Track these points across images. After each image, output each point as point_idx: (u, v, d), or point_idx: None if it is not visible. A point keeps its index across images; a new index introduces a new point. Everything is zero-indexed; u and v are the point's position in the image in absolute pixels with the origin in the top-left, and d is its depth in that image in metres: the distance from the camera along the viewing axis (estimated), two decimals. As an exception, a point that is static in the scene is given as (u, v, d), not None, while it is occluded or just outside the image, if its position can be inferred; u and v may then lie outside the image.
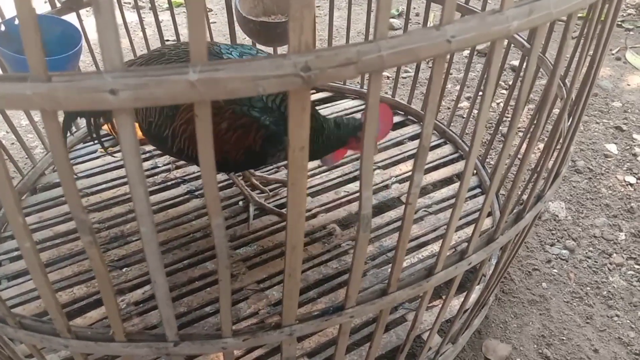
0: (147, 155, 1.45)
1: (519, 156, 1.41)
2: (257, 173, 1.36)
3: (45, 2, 1.42)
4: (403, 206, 1.28)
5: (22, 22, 0.35)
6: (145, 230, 0.45)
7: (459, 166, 1.41)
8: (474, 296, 0.94)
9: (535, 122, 0.74)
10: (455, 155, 1.46)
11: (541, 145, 1.52)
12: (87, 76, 0.36)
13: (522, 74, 1.83)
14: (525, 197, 0.78)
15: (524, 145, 1.48)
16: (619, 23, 2.45)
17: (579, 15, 0.88)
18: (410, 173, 1.38)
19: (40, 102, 0.37)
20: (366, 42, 0.39)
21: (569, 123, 0.78)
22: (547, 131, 1.54)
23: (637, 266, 1.24)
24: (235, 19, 1.52)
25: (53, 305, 0.53)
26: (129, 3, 2.62)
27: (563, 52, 0.54)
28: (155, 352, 0.58)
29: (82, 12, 1.42)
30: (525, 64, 1.24)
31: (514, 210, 0.74)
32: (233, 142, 0.96)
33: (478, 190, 1.35)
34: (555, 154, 0.79)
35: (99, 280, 0.49)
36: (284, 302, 0.56)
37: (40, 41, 0.36)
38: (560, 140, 0.78)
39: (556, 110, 1.38)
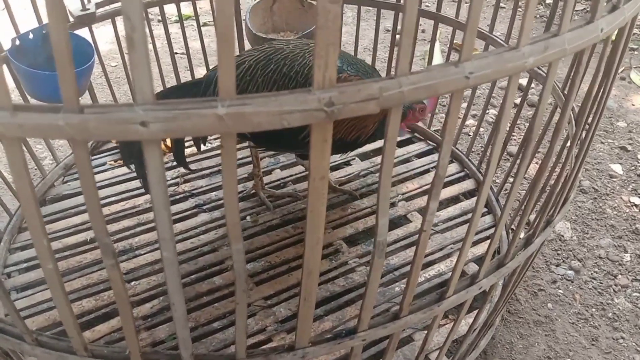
0: (156, 168, 1.46)
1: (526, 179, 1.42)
2: (266, 188, 1.38)
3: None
4: (409, 224, 1.29)
5: (58, 56, 0.36)
6: (167, 255, 0.46)
7: (465, 185, 1.42)
8: (469, 320, 0.95)
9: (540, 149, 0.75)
10: (462, 174, 1.47)
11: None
12: (119, 108, 0.37)
13: (529, 95, 1.84)
14: (533, 219, 0.79)
15: (532, 169, 1.49)
16: (624, 43, 2.47)
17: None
18: (417, 191, 1.39)
19: (72, 132, 0.38)
20: (388, 78, 0.40)
21: (577, 149, 0.79)
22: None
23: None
24: (244, 35, 1.54)
25: (71, 324, 0.54)
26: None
27: (576, 86, 0.55)
28: (169, 372, 0.58)
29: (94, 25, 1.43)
30: (539, 96, 1.25)
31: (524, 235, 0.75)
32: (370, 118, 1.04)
33: (484, 209, 1.36)
34: (564, 179, 0.79)
35: (119, 303, 0.50)
36: (298, 325, 0.56)
37: (74, 74, 0.37)
38: (569, 166, 0.79)
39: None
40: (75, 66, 1.28)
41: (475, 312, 0.90)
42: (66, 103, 0.37)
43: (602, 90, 0.76)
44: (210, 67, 1.70)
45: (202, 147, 1.40)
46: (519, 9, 2.22)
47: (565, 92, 1.10)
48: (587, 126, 0.81)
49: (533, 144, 0.56)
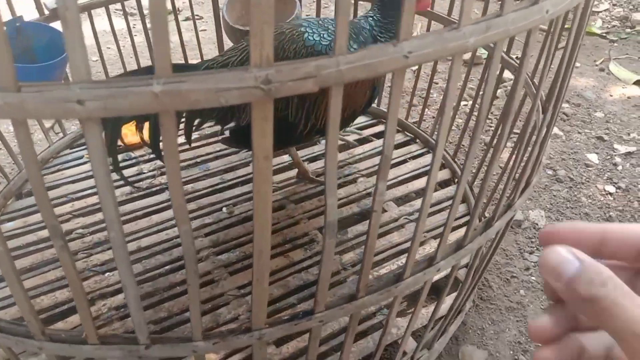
0: (133, 161, 1.47)
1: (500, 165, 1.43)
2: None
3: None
4: (384, 214, 1.30)
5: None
6: (114, 235, 0.46)
7: (440, 175, 1.43)
8: (448, 303, 0.96)
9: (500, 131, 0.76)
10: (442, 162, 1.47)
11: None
12: (55, 87, 0.38)
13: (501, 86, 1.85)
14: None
15: (502, 154, 1.51)
16: (604, 35, 2.49)
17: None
18: (392, 181, 1.40)
19: (10, 111, 0.38)
20: (325, 57, 0.41)
21: (539, 133, 0.81)
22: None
23: (613, 274, 1.26)
24: (222, 27, 1.54)
25: (27, 308, 0.55)
26: (119, 10, 2.63)
27: (524, 65, 0.56)
28: (127, 355, 0.59)
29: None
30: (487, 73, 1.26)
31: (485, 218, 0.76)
32: (360, 88, 1.04)
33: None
34: (527, 162, 0.81)
35: (70, 283, 0.51)
36: (252, 307, 0.57)
37: (10, 53, 0.37)
38: (530, 149, 0.80)
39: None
40: (49, 58, 1.27)
41: (445, 297, 0.91)
42: (2, 82, 0.38)
43: (563, 75, 0.77)
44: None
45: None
46: None
47: (535, 80, 1.12)
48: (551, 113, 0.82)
49: (483, 123, 0.57)
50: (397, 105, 0.47)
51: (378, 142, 1.55)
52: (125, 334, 0.59)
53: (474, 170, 1.44)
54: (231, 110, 1.10)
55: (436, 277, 1.09)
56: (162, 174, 1.42)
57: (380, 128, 1.62)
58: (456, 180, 1.42)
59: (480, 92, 1.55)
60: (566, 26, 1.04)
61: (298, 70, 0.40)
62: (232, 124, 1.16)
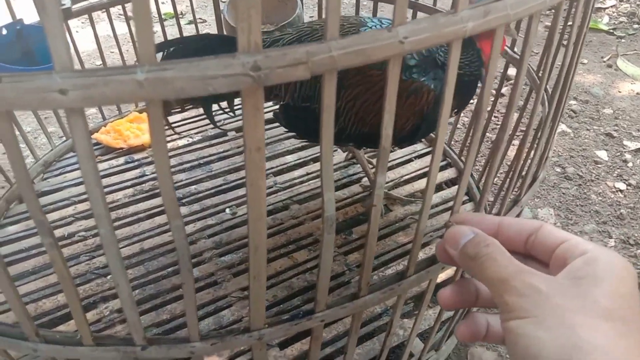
0: (136, 163, 1.46)
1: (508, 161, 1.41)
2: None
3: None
4: (389, 213, 1.29)
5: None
6: (104, 232, 0.45)
7: (446, 174, 1.41)
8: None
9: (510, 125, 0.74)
10: (444, 162, 1.46)
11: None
12: (36, 76, 0.36)
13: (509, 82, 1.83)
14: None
15: (510, 150, 1.49)
16: (611, 31, 2.46)
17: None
18: (399, 180, 1.38)
19: (-10, 102, 0.37)
20: (317, 43, 0.40)
21: (544, 127, 0.79)
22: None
23: (625, 272, 1.23)
24: (224, 28, 1.54)
25: (18, 309, 0.53)
26: (122, 15, 2.64)
27: (525, 59, 0.54)
28: (123, 356, 0.58)
29: (72, 23, 1.42)
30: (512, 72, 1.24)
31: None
32: (405, 110, 0.94)
33: (466, 197, 1.35)
34: (532, 157, 0.79)
35: (61, 282, 0.49)
36: (250, 306, 0.55)
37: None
38: (536, 144, 0.78)
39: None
40: (50, 61, 1.28)
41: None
42: (-19, 72, 0.36)
43: (567, 68, 0.75)
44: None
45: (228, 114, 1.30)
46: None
47: (540, 74, 1.10)
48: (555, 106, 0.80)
49: (483, 121, 0.55)
50: (394, 95, 0.46)
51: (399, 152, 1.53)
52: (121, 335, 0.58)
53: (480, 169, 1.42)
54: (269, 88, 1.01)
55: (443, 276, 1.07)
56: (165, 176, 1.41)
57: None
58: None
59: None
60: (569, 23, 1.02)
61: (287, 56, 0.39)
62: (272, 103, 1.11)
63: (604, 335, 0.34)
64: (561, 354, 0.33)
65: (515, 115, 1.63)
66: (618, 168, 1.56)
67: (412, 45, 0.43)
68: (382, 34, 0.41)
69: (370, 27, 0.98)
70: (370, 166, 1.33)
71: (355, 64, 0.42)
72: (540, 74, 1.09)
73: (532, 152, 0.78)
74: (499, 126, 1.70)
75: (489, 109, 1.68)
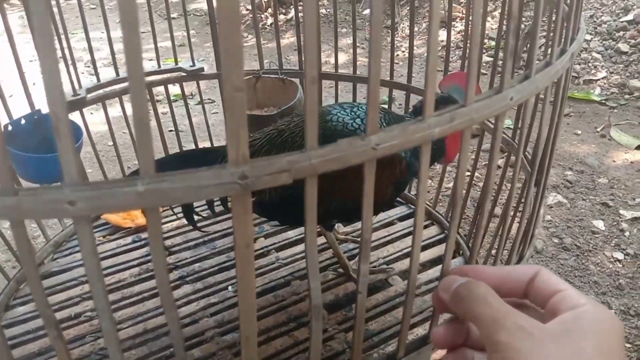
0: (143, 242, 1.50)
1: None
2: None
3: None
4: (389, 288, 1.30)
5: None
6: (106, 325, 0.48)
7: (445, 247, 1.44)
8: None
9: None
10: (442, 236, 1.49)
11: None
12: (49, 190, 0.41)
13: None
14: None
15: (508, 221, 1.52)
16: (603, 101, 2.55)
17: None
18: (398, 254, 1.41)
19: (8, 213, 0.42)
20: (298, 153, 0.45)
21: (529, 208, 0.83)
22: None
23: (627, 344, 1.23)
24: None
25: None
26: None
27: (496, 147, 0.59)
28: None
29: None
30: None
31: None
32: (382, 181, 1.00)
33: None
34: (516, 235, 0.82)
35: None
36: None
37: (8, 161, 0.42)
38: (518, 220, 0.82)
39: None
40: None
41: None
42: (1, 187, 0.41)
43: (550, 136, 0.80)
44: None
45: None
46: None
47: (516, 140, 1.15)
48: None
49: (488, 199, 0.59)
50: (371, 195, 0.50)
51: (381, 216, 1.57)
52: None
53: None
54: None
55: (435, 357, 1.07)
56: (171, 253, 1.45)
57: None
58: (461, 252, 1.42)
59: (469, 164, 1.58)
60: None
61: (272, 165, 0.44)
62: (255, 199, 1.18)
63: None
64: None
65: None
66: (615, 237, 1.58)
67: (385, 151, 0.48)
68: (356, 143, 0.47)
69: (334, 115, 1.06)
70: (350, 237, 1.42)
71: (334, 168, 0.47)
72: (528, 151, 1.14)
73: (518, 227, 0.82)
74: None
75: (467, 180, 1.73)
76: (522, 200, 0.80)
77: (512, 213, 1.13)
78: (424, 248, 1.45)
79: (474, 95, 0.52)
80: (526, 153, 1.00)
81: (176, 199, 0.42)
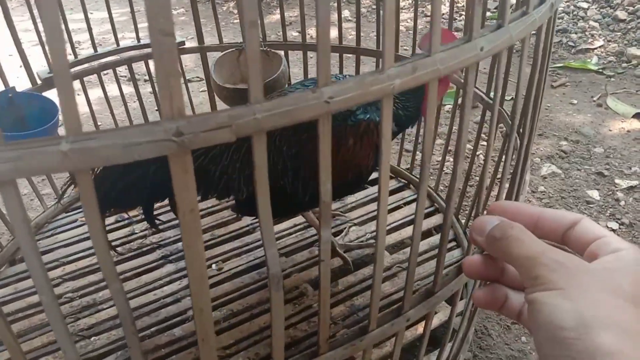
0: (126, 221, 1.47)
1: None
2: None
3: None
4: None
5: None
6: (46, 299, 0.45)
7: (434, 220, 1.41)
8: (444, 355, 0.92)
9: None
10: (431, 209, 1.45)
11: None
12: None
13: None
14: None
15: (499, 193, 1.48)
16: (600, 70, 2.49)
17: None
18: (387, 228, 1.38)
19: None
20: (240, 107, 0.41)
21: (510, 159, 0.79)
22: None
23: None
24: (213, 87, 1.58)
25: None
26: (125, 76, 2.73)
27: (468, 103, 0.55)
28: None
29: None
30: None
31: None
32: (364, 149, 0.98)
33: (453, 243, 1.34)
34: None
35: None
36: (203, 368, 0.55)
37: None
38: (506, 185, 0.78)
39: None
40: (40, 125, 1.30)
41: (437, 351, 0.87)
42: None
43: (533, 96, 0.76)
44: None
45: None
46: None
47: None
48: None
49: (461, 160, 0.56)
50: (328, 157, 0.46)
51: (371, 190, 1.54)
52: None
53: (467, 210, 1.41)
54: (226, 188, 1.04)
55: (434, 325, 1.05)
56: (154, 233, 1.42)
57: (375, 175, 1.61)
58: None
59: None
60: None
61: (210, 120, 0.40)
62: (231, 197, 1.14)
63: (623, 313, 0.36)
64: (581, 323, 0.35)
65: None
66: (610, 207, 1.55)
67: (339, 105, 0.44)
68: (307, 95, 0.42)
69: (295, 89, 1.03)
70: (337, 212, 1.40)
71: (282, 124, 0.43)
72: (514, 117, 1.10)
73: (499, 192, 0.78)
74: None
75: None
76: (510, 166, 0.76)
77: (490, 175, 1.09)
78: (413, 222, 1.41)
79: (438, 43, 0.47)
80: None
81: (105, 159, 0.39)
